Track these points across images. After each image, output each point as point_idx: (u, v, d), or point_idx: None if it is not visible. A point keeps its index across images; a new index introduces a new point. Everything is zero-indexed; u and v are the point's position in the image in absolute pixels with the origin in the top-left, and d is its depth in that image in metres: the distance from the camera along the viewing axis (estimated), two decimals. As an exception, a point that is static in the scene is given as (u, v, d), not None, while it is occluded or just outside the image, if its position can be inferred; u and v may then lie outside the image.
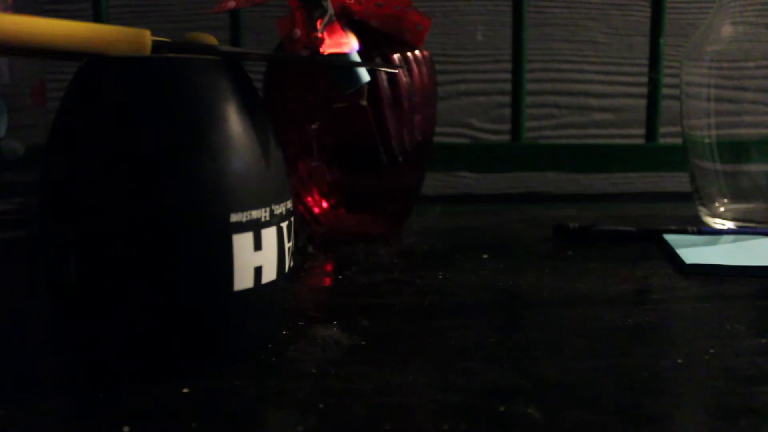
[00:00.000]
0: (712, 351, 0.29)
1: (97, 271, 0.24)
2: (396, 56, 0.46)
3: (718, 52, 0.49)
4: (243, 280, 0.25)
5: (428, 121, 0.48)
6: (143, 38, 0.25)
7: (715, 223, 0.51)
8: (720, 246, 0.44)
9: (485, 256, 0.44)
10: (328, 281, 0.40)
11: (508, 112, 0.68)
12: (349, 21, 0.44)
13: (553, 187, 0.74)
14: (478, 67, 0.72)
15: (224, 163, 0.25)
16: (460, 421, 0.23)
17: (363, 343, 0.30)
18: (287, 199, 0.28)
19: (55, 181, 0.25)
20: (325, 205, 0.47)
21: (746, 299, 0.36)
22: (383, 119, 0.45)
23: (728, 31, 0.49)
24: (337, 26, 0.39)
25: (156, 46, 0.26)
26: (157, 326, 0.25)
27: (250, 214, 0.25)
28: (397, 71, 0.45)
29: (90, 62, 0.26)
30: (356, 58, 0.36)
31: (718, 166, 0.50)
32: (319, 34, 0.38)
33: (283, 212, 0.27)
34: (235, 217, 0.25)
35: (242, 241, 0.25)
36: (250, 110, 0.26)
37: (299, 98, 0.46)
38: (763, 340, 0.30)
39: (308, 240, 0.46)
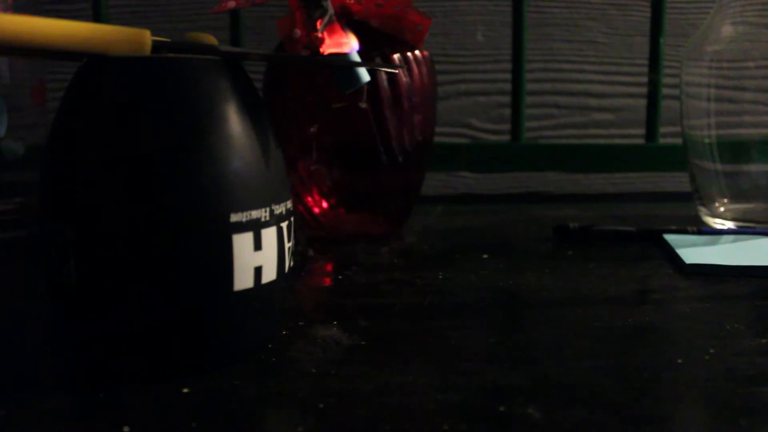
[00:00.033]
0: (712, 351, 0.29)
1: (97, 271, 0.24)
2: (396, 56, 0.46)
3: (718, 52, 0.49)
4: (243, 280, 0.25)
5: (428, 121, 0.48)
6: (143, 38, 0.25)
7: (715, 223, 0.51)
8: (720, 246, 0.44)
9: (485, 256, 0.44)
10: (328, 281, 0.40)
11: (508, 112, 0.69)
12: (349, 21, 0.44)
13: (553, 187, 0.74)
14: (478, 67, 0.72)
15: (224, 163, 0.25)
16: (460, 421, 0.23)
17: (363, 343, 0.30)
18: (287, 199, 0.28)
19: (55, 181, 0.25)
20: (325, 205, 0.47)
21: (746, 299, 0.36)
22: (383, 119, 0.45)
23: (728, 31, 0.49)
24: (337, 26, 0.39)
25: (156, 46, 0.26)
26: (157, 326, 0.25)
27: (250, 214, 0.25)
28: (397, 71, 0.45)
29: (90, 62, 0.26)
30: (356, 58, 0.36)
31: (718, 166, 0.50)
32: (319, 34, 0.38)
33: (283, 212, 0.27)
34: (235, 217, 0.25)
35: (242, 241, 0.25)
36: (250, 110, 0.26)
37: (299, 98, 0.46)
38: (763, 340, 0.30)
39: (308, 243, 0.46)
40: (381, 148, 0.45)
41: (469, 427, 0.23)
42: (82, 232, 0.24)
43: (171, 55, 0.26)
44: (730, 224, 0.49)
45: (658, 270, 0.41)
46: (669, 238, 0.46)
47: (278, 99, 0.47)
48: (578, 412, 0.24)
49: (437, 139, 0.52)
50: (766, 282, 0.38)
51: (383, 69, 0.44)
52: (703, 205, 0.52)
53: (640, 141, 0.69)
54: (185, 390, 0.25)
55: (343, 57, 0.36)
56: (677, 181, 0.70)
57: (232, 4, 0.42)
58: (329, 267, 0.43)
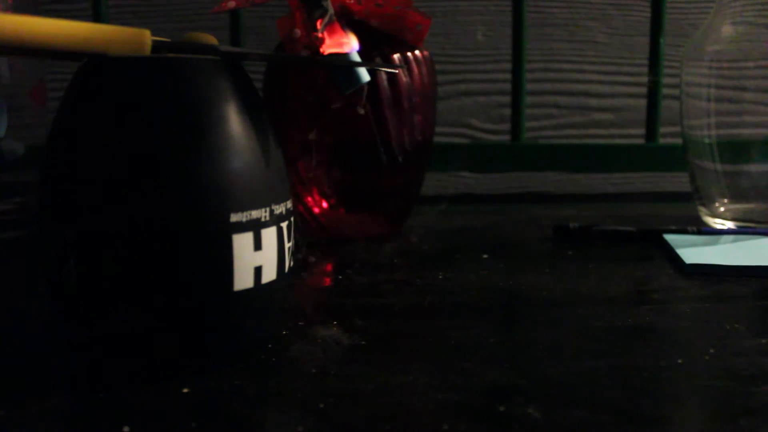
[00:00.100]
0: (712, 351, 0.29)
1: (97, 271, 0.24)
2: (396, 56, 0.46)
3: (718, 52, 0.49)
4: (243, 280, 0.25)
5: (428, 121, 0.48)
6: (143, 38, 0.25)
7: (715, 223, 0.51)
8: (720, 246, 0.44)
9: (485, 256, 0.44)
10: (328, 281, 0.40)
11: (508, 112, 0.68)
12: (349, 21, 0.44)
13: (553, 187, 0.74)
14: (478, 67, 0.72)
15: (224, 163, 0.25)
16: (460, 421, 0.23)
17: (363, 343, 0.30)
18: (287, 199, 0.28)
19: (55, 181, 0.25)
20: (325, 205, 0.47)
21: (746, 299, 0.36)
22: (383, 119, 0.45)
23: (728, 31, 0.49)
24: (337, 26, 0.39)
25: (156, 46, 0.26)
26: (157, 326, 0.25)
27: (250, 214, 0.25)
28: (397, 71, 0.45)
29: (90, 62, 0.26)
30: (356, 58, 0.36)
31: (718, 166, 0.50)
32: (319, 34, 0.38)
33: (283, 212, 0.27)
34: (235, 217, 0.25)
35: (242, 241, 0.25)
36: (250, 110, 0.26)
37: (299, 98, 0.46)
38: (763, 340, 0.30)
39: (309, 250, 0.46)
40: (381, 148, 0.45)
41: (469, 427, 0.23)
42: (82, 232, 0.24)
43: (171, 55, 0.26)
44: (730, 224, 0.49)
45: (658, 270, 0.41)
46: (669, 238, 0.46)
47: (278, 99, 0.47)
48: (578, 412, 0.24)
49: (437, 139, 0.52)
50: (766, 282, 0.38)
51: (383, 69, 0.44)
52: (703, 205, 0.52)
53: (640, 141, 0.69)
54: (185, 390, 0.25)
55: (343, 57, 0.36)
56: (677, 181, 0.70)
57: (232, 4, 0.42)
58: (329, 267, 0.43)
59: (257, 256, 0.26)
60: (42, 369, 0.28)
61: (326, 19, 0.39)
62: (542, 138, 0.73)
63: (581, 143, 0.73)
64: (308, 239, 0.47)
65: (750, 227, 0.48)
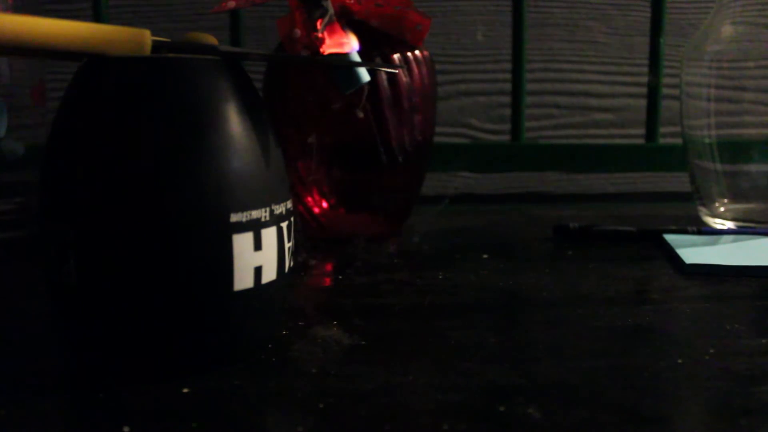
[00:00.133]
0: (712, 351, 0.29)
1: (97, 271, 0.24)
2: (396, 56, 0.46)
3: (718, 52, 0.49)
4: (243, 280, 0.25)
5: (428, 121, 0.48)
6: (143, 38, 0.25)
7: (715, 223, 0.51)
8: (720, 246, 0.44)
9: (485, 256, 0.44)
10: (328, 281, 0.40)
11: (508, 112, 0.68)
12: (349, 21, 0.44)
13: (553, 187, 0.74)
14: (478, 67, 0.72)
15: (224, 163, 0.25)
16: (460, 421, 0.23)
17: (363, 343, 0.30)
18: (287, 199, 0.28)
19: (55, 181, 0.25)
20: (325, 205, 0.47)
21: (746, 299, 0.36)
22: (383, 119, 0.45)
23: (728, 31, 0.49)
24: (337, 26, 0.39)
25: (156, 46, 0.26)
26: (157, 326, 0.25)
27: (250, 214, 0.25)
28: (397, 71, 0.45)
29: (90, 62, 0.26)
30: (356, 58, 0.36)
31: (718, 166, 0.50)
32: (319, 34, 0.38)
33: (283, 212, 0.27)
34: (235, 217, 0.25)
35: (242, 241, 0.25)
36: (250, 110, 0.26)
37: (299, 98, 0.46)
38: (763, 340, 0.30)
39: (309, 253, 0.46)
40: (381, 148, 0.45)
41: (469, 427, 0.23)
42: (82, 232, 0.24)
43: (171, 55, 0.26)
44: (730, 224, 0.49)
45: (658, 270, 0.41)
46: (669, 238, 0.46)
47: (278, 99, 0.47)
48: (578, 412, 0.24)
49: (437, 139, 0.52)
50: (766, 282, 0.38)
51: (383, 69, 0.44)
52: (703, 205, 0.52)
53: (640, 141, 0.69)
54: (185, 390, 0.25)
55: (343, 57, 0.36)
56: (677, 181, 0.70)
57: (232, 4, 0.42)
58: (329, 267, 0.43)
59: (257, 256, 0.26)
60: (42, 369, 0.28)
61: (326, 19, 0.39)
62: (542, 138, 0.73)
63: (581, 143, 0.73)
64: (308, 246, 0.47)
65: (750, 227, 0.48)
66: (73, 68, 0.26)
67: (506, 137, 0.71)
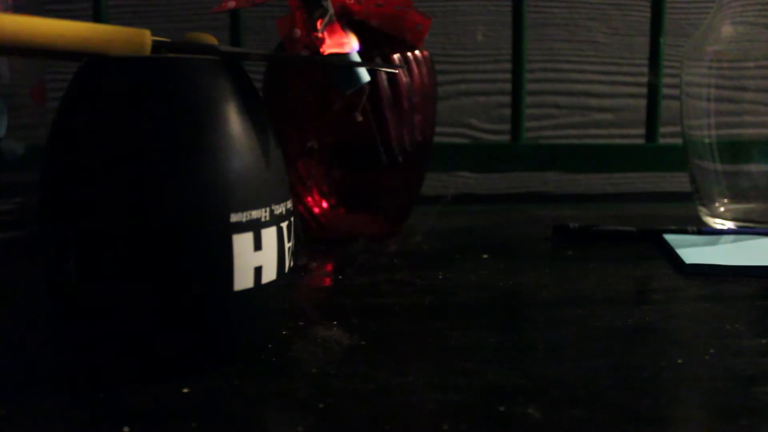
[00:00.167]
0: (712, 351, 0.29)
1: (97, 271, 0.24)
2: (396, 56, 0.46)
3: (718, 52, 0.49)
4: (243, 280, 0.25)
5: (428, 121, 0.48)
6: (143, 38, 0.25)
7: (715, 223, 0.51)
8: (720, 246, 0.44)
9: (485, 256, 0.44)
10: (328, 281, 0.40)
11: (508, 112, 0.68)
12: (349, 21, 0.44)
13: (553, 187, 0.74)
14: (478, 67, 0.72)
15: (224, 163, 0.25)
16: (460, 421, 0.23)
17: (363, 343, 0.30)
18: (287, 199, 0.28)
19: (55, 181, 0.25)
20: (325, 205, 0.47)
21: (746, 299, 0.36)
22: (383, 119, 0.45)
23: (728, 31, 0.49)
24: (337, 26, 0.39)
25: (156, 46, 0.26)
26: (157, 326, 0.25)
27: (250, 214, 0.25)
28: (397, 71, 0.45)
29: (90, 62, 0.26)
30: (356, 58, 0.36)
31: (718, 166, 0.50)
32: (320, 34, 0.38)
33: (283, 212, 0.27)
34: (235, 217, 0.25)
35: (242, 241, 0.25)
36: (250, 110, 0.26)
37: (299, 98, 0.46)
38: (763, 340, 0.30)
39: (309, 255, 0.46)
40: (381, 148, 0.45)
41: (469, 427, 0.23)
42: (82, 232, 0.24)
43: (171, 55, 0.26)
44: (730, 224, 0.49)
45: (658, 270, 0.41)
46: (669, 238, 0.46)
47: (278, 99, 0.47)
48: (578, 412, 0.24)
49: (437, 139, 0.52)
50: (766, 282, 0.38)
51: (383, 69, 0.44)
52: (703, 205, 0.52)
53: (640, 141, 0.69)
54: (185, 390, 0.25)
55: (343, 57, 0.36)
56: (677, 181, 0.70)
57: (232, 4, 0.42)
58: (329, 267, 0.43)
59: (257, 256, 0.26)
60: (42, 369, 0.28)
61: (326, 19, 0.39)
62: (542, 138, 0.73)
63: (581, 143, 0.73)
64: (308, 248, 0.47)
65: (750, 227, 0.48)
66: (73, 68, 0.26)
67: (506, 137, 0.71)
